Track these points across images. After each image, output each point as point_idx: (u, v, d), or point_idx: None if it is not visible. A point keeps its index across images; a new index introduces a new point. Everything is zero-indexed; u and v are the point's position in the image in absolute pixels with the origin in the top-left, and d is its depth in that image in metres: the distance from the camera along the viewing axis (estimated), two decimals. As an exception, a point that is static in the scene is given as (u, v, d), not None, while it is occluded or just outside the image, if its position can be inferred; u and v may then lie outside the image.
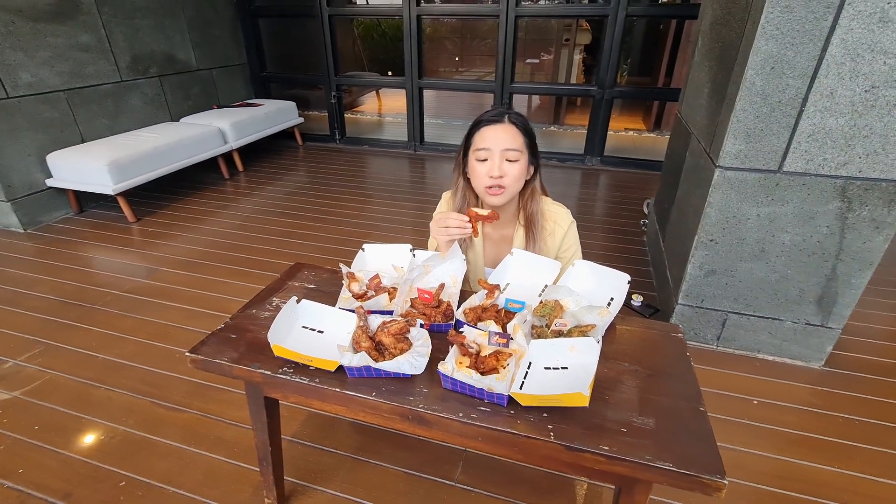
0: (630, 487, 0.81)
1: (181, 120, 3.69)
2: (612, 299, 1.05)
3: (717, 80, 1.66)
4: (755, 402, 1.56)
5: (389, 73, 6.78)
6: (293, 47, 4.89)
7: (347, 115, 4.97)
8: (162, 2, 3.50)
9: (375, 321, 0.97)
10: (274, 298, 1.14)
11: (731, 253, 1.60)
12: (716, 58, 1.71)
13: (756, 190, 1.48)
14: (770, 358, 1.74)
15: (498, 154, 1.13)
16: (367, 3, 6.48)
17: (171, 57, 3.64)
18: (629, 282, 1.05)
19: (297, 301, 0.99)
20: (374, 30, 6.96)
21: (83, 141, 3.04)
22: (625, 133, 5.04)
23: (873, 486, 1.28)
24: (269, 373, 0.90)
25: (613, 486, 1.19)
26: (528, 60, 6.19)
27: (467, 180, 1.25)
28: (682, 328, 1.67)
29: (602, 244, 2.67)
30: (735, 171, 1.48)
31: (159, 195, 3.26)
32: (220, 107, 4.03)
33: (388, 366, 0.86)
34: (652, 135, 4.99)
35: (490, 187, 1.15)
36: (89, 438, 1.43)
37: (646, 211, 2.99)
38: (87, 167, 2.75)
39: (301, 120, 4.43)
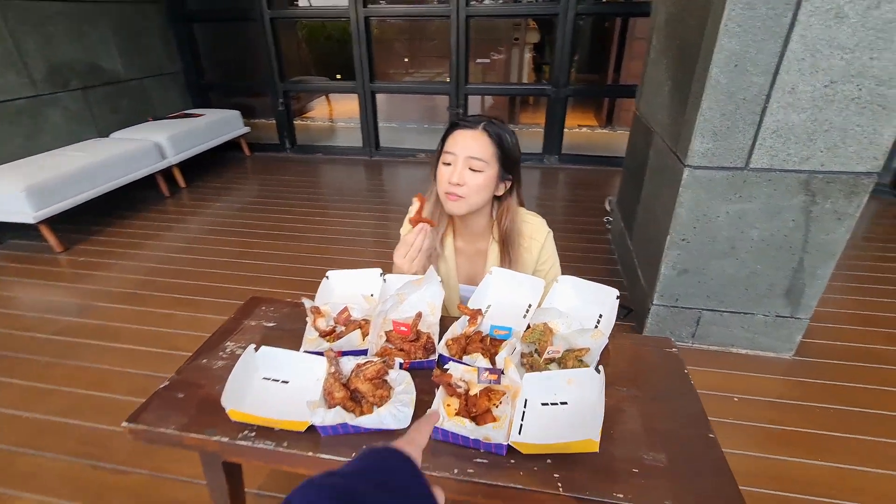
0: (644, 530, 0.74)
1: (111, 135, 3.37)
2: (600, 316, 0.99)
3: (677, 77, 1.64)
4: (735, 399, 1.56)
5: (338, 76, 6.57)
6: (234, 53, 4.61)
7: (297, 122, 4.75)
8: (79, 8, 3.17)
9: (348, 364, 0.86)
10: (228, 344, 1.00)
11: (702, 251, 1.59)
12: (674, 55, 1.70)
13: (725, 188, 1.47)
14: (743, 351, 1.76)
15: (461, 160, 1.04)
16: (310, 5, 6.24)
17: (95, 67, 3.32)
18: (618, 297, 0.99)
19: (256, 349, 0.85)
20: (319, 32, 6.73)
21: (-6, 164, 2.70)
22: (579, 130, 5.11)
23: (859, 477, 1.29)
24: (226, 440, 0.77)
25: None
26: (479, 61, 6.17)
27: None
28: (655, 323, 1.66)
29: (568, 244, 2.65)
30: (704, 170, 1.46)
31: (91, 220, 2.95)
32: (155, 119, 3.73)
33: (367, 421, 0.75)
34: (605, 130, 5.08)
35: (448, 193, 1.06)
36: (14, 518, 1.22)
37: (608, 208, 3.00)
38: (0, 194, 2.43)
39: (247, 129, 4.18)
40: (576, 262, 2.43)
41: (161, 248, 2.66)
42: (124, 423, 0.80)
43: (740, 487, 1.26)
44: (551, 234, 1.22)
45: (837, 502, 1.22)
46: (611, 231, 2.72)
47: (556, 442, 0.68)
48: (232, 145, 4.14)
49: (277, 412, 0.77)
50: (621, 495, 0.67)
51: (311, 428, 0.77)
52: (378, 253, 2.58)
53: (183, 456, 1.38)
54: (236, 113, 4.07)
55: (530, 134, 4.83)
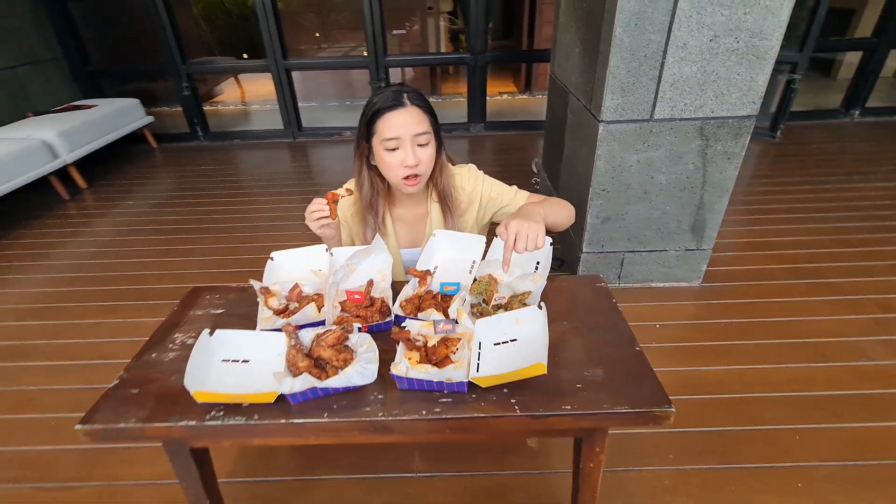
0: (591, 436, 0.86)
1: (-16, 136, 2.95)
2: (538, 263, 1.08)
3: (587, 38, 1.76)
4: (657, 325, 1.77)
5: (245, 55, 6.14)
6: (123, 34, 4.15)
7: (206, 108, 4.42)
8: (-82, -15, 2.69)
9: (307, 336, 0.88)
10: (176, 336, 0.98)
11: (620, 198, 1.75)
12: (582, 18, 1.81)
13: (634, 139, 1.62)
14: (661, 285, 1.98)
15: (409, 141, 1.06)
16: (203, -23, 5.73)
17: (-49, 56, 2.86)
18: (552, 244, 1.08)
19: (210, 333, 0.85)
20: (217, 8, 6.22)
21: None
22: (500, 97, 5.22)
23: (754, 373, 1.54)
24: (194, 423, 0.77)
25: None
26: (395, 32, 6.04)
27: (371, 168, 1.18)
28: (587, 268, 1.81)
29: (502, 208, 2.76)
30: (616, 124, 1.60)
31: (-25, 234, 2.61)
32: (36, 114, 3.30)
33: (335, 381, 0.78)
34: (524, 96, 5.25)
35: (407, 178, 1.09)
36: (-48, 557, 1.13)
37: (535, 170, 3.15)
38: None
39: (150, 119, 3.83)
40: (510, 223, 2.55)
41: (69, 255, 2.42)
42: (78, 426, 0.77)
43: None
44: (481, 173, 1.26)
45: (737, 395, 1.46)
46: (539, 191, 2.87)
47: (510, 371, 0.76)
48: (135, 138, 3.79)
49: (244, 388, 0.78)
50: (569, 407, 0.77)
51: (280, 398, 0.79)
52: (314, 235, 2.53)
53: (136, 457, 1.34)
54: (135, 101, 3.71)
55: (454, 104, 4.87)
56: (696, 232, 1.83)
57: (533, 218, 0.97)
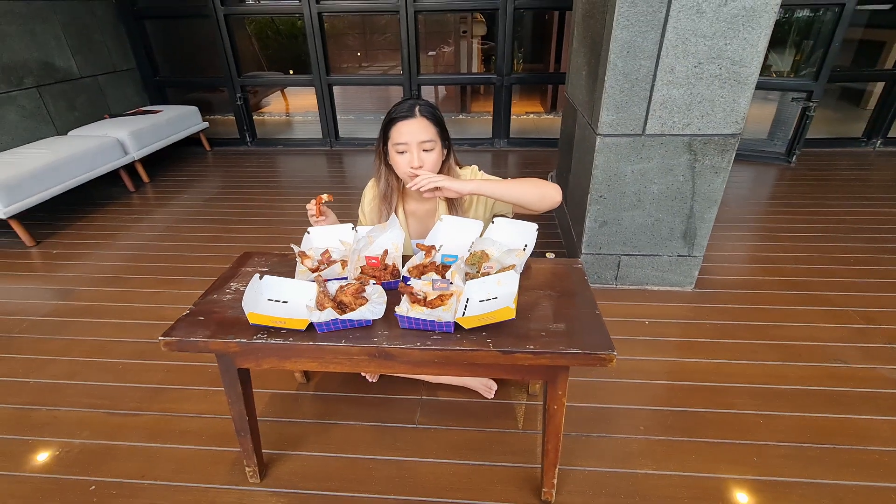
0: (554, 378, 1.06)
1: (69, 133, 3.41)
2: (525, 245, 1.30)
3: (591, 63, 1.98)
4: (647, 322, 1.93)
5: (291, 71, 6.65)
6: (187, 49, 4.66)
7: (255, 117, 4.85)
8: (29, 7, 3.19)
9: (333, 286, 1.12)
10: (232, 284, 1.24)
11: (616, 205, 1.95)
12: (588, 45, 2.04)
13: (628, 151, 1.83)
14: (655, 288, 2.14)
15: (415, 146, 1.28)
16: (260, 1, 6.29)
17: (49, 65, 3.34)
18: (537, 229, 1.30)
19: (260, 278, 1.10)
20: (267, 27, 6.76)
21: (-47, 163, 2.73)
22: (526, 116, 5.48)
23: (730, 367, 1.68)
24: (244, 340, 1.02)
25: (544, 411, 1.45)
26: (430, 53, 6.42)
27: (388, 166, 1.42)
28: (585, 268, 2.00)
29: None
30: (611, 137, 1.81)
31: (56, 216, 3.02)
32: (112, 116, 3.77)
33: (352, 315, 1.02)
34: (549, 116, 5.48)
35: (412, 176, 1.31)
36: (42, 456, 1.41)
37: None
38: (-34, 191, 2.49)
39: (206, 125, 4.26)
40: (522, 228, 2.76)
41: (134, 237, 2.78)
42: (160, 337, 1.03)
43: (646, 382, 1.63)
44: (481, 173, 1.43)
45: (712, 384, 1.61)
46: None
47: (486, 313, 0.97)
48: (192, 141, 4.23)
49: (284, 315, 1.02)
50: (532, 347, 0.97)
51: (310, 328, 1.03)
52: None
53: (186, 395, 1.61)
54: (194, 108, 4.16)
55: (481, 121, 5.15)
56: (687, 239, 1.99)
57: (453, 181, 1.24)
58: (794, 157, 3.61)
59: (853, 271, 2.23)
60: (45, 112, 3.32)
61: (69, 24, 3.49)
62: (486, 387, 1.57)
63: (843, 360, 1.69)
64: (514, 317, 0.97)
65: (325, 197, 1.40)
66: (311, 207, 1.39)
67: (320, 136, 4.47)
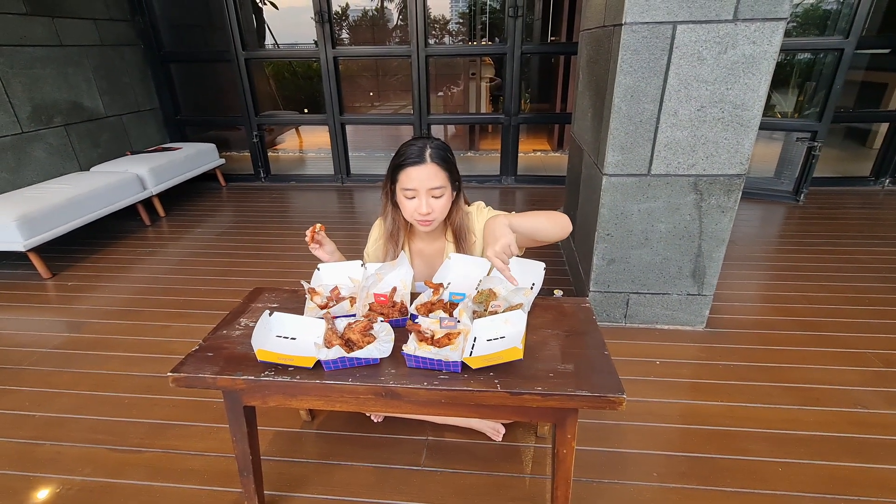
0: (563, 421, 1.04)
1: (91, 169, 3.54)
2: (533, 284, 1.30)
3: (596, 105, 2.04)
4: (657, 362, 1.89)
5: (305, 110, 6.91)
6: (207, 90, 4.88)
7: (269, 154, 5.01)
8: (64, 51, 3.39)
9: (341, 323, 1.13)
10: (241, 319, 1.25)
11: (623, 243, 1.95)
12: (593, 89, 2.11)
13: (634, 190, 1.85)
14: (666, 327, 2.11)
15: (424, 193, 1.26)
16: (276, 45, 6.61)
17: (78, 105, 3.51)
18: (545, 268, 1.30)
19: (270, 314, 1.12)
20: (284, 69, 7.08)
21: (-19, 198, 2.84)
22: (533, 154, 5.59)
23: (745, 411, 1.63)
24: (252, 378, 1.02)
25: (552, 450, 1.41)
26: (439, 94, 6.65)
27: (395, 206, 1.40)
28: (594, 307, 1.99)
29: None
30: (617, 177, 1.84)
31: (73, 248, 3.09)
32: (133, 153, 3.91)
33: (359, 353, 1.02)
34: (556, 154, 5.59)
35: (420, 221, 1.32)
36: (43, 494, 1.39)
37: (558, 219, 3.38)
38: (-10, 224, 2.57)
39: (222, 161, 4.41)
40: (530, 265, 2.76)
41: (147, 270, 2.83)
42: (169, 373, 1.04)
43: (658, 425, 1.59)
44: (486, 210, 1.42)
45: (726, 428, 1.56)
46: (560, 238, 3.09)
47: (493, 353, 0.97)
48: (208, 176, 4.36)
49: (291, 353, 1.03)
50: (540, 388, 0.96)
51: (317, 366, 1.04)
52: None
53: (190, 433, 1.59)
54: (211, 146, 4.31)
55: (489, 159, 5.26)
56: (696, 278, 1.98)
57: (497, 232, 1.12)
58: (803, 195, 3.62)
59: (868, 312, 2.19)
60: (71, 149, 3.46)
61: (100, 66, 3.69)
62: (493, 429, 1.53)
63: (863, 406, 1.64)
64: (522, 357, 0.97)
65: (318, 226, 1.41)
66: (306, 238, 1.40)
67: (332, 173, 4.59)
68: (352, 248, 3.11)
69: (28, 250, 2.63)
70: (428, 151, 1.27)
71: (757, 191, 3.72)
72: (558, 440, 1.07)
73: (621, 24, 1.63)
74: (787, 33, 1.69)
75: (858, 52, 3.29)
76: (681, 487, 1.36)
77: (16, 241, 2.58)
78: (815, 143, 3.46)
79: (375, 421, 1.60)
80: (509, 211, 1.41)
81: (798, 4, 3.75)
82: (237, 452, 1.19)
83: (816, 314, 2.18)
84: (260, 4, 6.60)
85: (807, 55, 3.82)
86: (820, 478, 1.38)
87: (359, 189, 4.46)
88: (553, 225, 1.26)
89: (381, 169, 4.77)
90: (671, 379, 1.80)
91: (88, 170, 3.53)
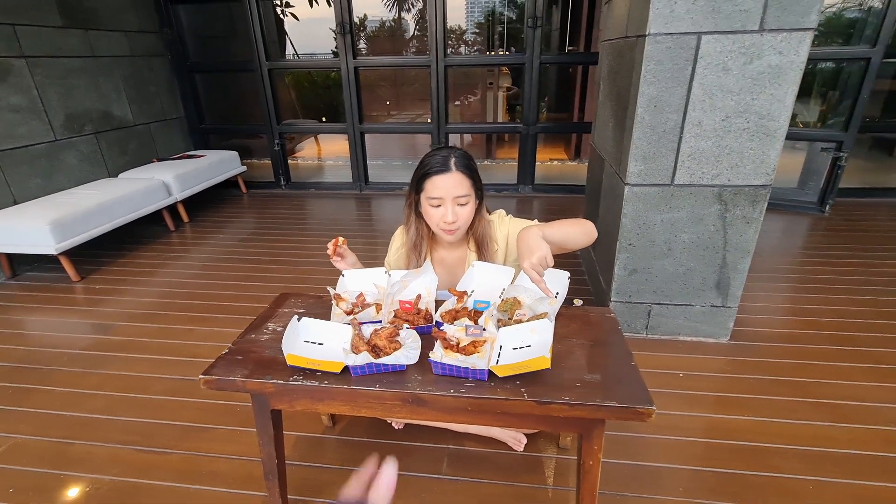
0: (589, 432, 1.03)
1: (119, 175, 3.64)
2: (557, 293, 1.30)
3: (617, 115, 2.04)
4: (681, 374, 1.86)
5: (324, 118, 7.02)
6: (230, 99, 5.00)
7: (289, 161, 5.10)
8: (97, 62, 3.52)
9: (368, 329, 1.14)
10: (269, 324, 1.28)
11: (645, 253, 1.94)
12: (615, 99, 2.11)
13: (657, 200, 1.84)
14: (689, 339, 2.08)
15: (450, 202, 1.27)
16: (296, 55, 6.74)
17: (108, 114, 3.63)
18: (569, 277, 1.30)
19: (298, 319, 1.13)
20: (304, 78, 7.22)
21: (16, 202, 2.94)
22: (550, 163, 5.58)
23: (773, 426, 1.60)
24: (281, 381, 1.04)
25: (576, 459, 1.40)
26: (457, 103, 6.70)
27: (418, 215, 1.41)
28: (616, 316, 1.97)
29: (543, 260, 2.98)
30: (640, 187, 1.83)
31: (101, 253, 3.18)
32: (160, 160, 4.02)
33: (387, 360, 1.03)
34: (574, 163, 5.57)
35: (445, 230, 1.33)
36: (73, 492, 1.42)
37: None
38: (25, 228, 2.66)
39: (244, 168, 4.50)
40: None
41: (172, 274, 2.90)
42: (200, 376, 1.06)
43: (683, 438, 1.57)
44: (507, 218, 1.43)
45: (755, 444, 1.52)
46: (579, 248, 3.07)
47: (520, 361, 0.97)
48: (230, 183, 4.45)
49: (320, 358, 1.04)
50: (567, 398, 0.96)
51: (344, 371, 1.05)
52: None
53: (216, 436, 1.61)
54: (234, 153, 4.40)
55: (506, 167, 5.27)
56: (720, 290, 1.96)
57: (533, 244, 1.13)
58: (828, 206, 3.54)
59: (900, 326, 2.13)
60: (100, 156, 3.58)
61: (129, 76, 3.82)
62: (515, 439, 1.52)
63: (897, 423, 1.59)
64: (549, 366, 0.97)
65: (340, 240, 1.42)
66: (328, 250, 1.41)
67: (351, 180, 4.64)
68: (370, 256, 3.14)
69: (59, 254, 2.71)
70: (452, 160, 1.29)
71: (780, 201, 3.66)
72: (584, 451, 1.06)
73: (645, 35, 1.63)
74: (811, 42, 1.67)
75: (886, 60, 3.23)
76: (710, 503, 1.33)
77: (48, 245, 2.67)
78: (842, 154, 3.39)
79: (396, 428, 1.61)
80: (530, 219, 1.42)
81: (822, 12, 3.70)
82: (263, 455, 1.20)
83: (846, 328, 2.13)
84: (281, 16, 6.76)
85: (830, 64, 3.76)
86: (854, 498, 1.34)
87: (376, 196, 4.50)
88: (581, 232, 1.27)
89: (399, 177, 4.83)
90: (695, 392, 1.77)
91: (116, 176, 3.64)
